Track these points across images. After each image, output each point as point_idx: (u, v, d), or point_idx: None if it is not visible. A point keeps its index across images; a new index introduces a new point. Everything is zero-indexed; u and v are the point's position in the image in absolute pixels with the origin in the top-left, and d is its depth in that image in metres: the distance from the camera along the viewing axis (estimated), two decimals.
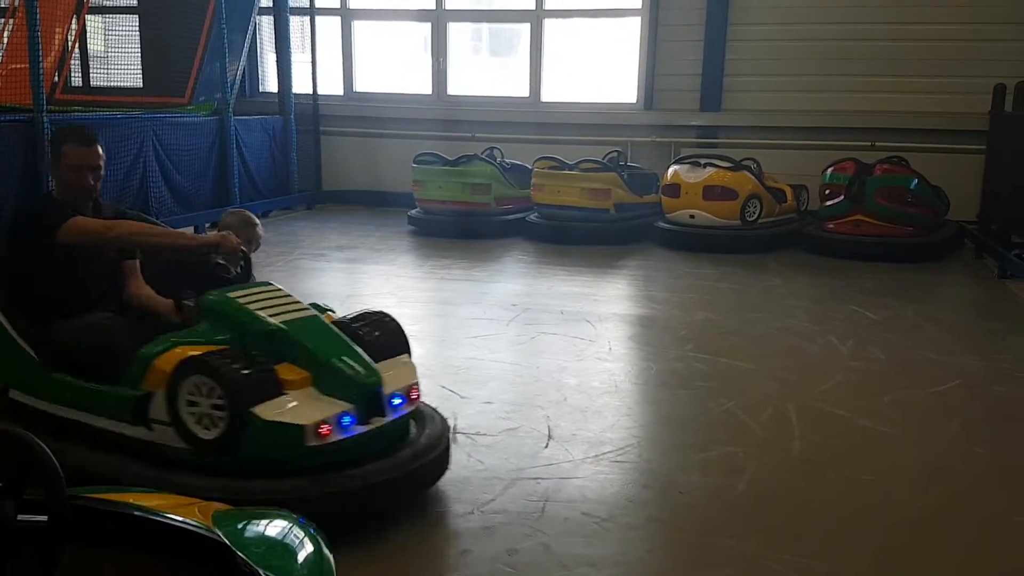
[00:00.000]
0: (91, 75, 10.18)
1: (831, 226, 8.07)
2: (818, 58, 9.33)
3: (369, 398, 2.88)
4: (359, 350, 3.01)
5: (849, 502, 3.26)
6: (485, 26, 11.01)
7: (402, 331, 3.35)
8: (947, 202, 8.30)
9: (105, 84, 9.84)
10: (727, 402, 4.19)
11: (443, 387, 4.35)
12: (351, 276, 7.10)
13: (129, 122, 7.84)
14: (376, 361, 3.01)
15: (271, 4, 10.15)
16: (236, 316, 3.00)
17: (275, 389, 2.80)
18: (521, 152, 9.54)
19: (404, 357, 3.28)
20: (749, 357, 4.93)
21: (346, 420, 2.82)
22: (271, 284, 3.26)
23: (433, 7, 10.49)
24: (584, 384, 4.42)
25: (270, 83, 11.12)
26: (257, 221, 4.02)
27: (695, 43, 9.61)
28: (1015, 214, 7.20)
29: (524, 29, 10.35)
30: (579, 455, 3.57)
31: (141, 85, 9.71)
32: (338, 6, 10.81)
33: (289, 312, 3.05)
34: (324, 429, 2.77)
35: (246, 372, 2.76)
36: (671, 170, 8.38)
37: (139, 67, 9.82)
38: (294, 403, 2.81)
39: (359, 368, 2.93)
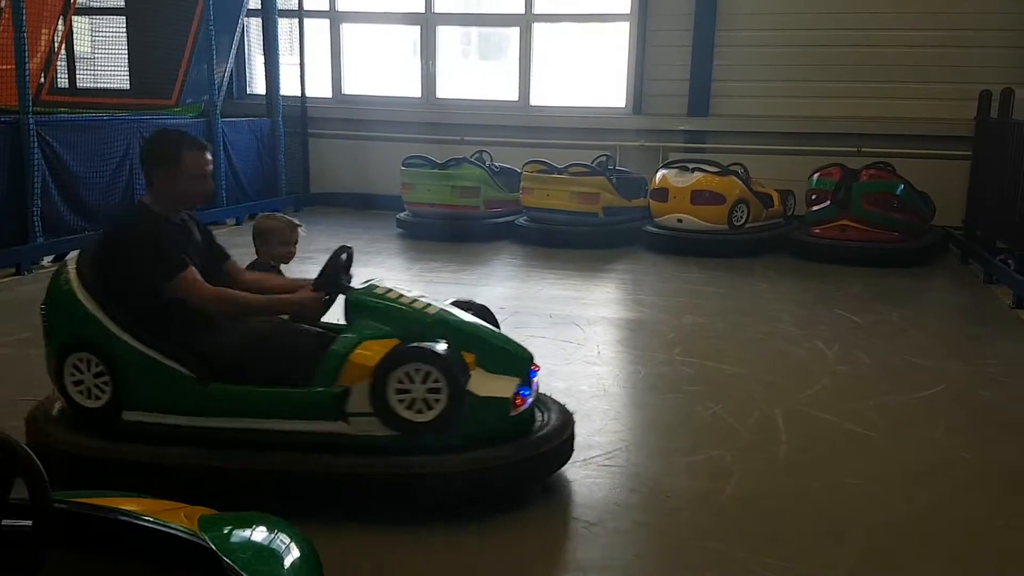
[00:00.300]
0: (77, 76, 10.13)
1: (817, 231, 8.11)
2: (805, 64, 9.39)
3: (528, 372, 3.21)
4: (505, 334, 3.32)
5: (835, 506, 3.28)
6: (475, 29, 11.02)
7: (493, 314, 3.58)
8: (933, 207, 8.36)
9: (92, 86, 9.80)
10: (714, 406, 4.21)
11: None
12: None
13: (116, 124, 7.80)
14: None
15: (259, 6, 10.12)
16: (396, 311, 3.18)
17: (468, 370, 3.06)
18: (510, 155, 9.55)
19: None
20: (736, 361, 4.95)
21: (525, 392, 3.15)
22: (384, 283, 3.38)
23: (422, 10, 10.50)
24: (572, 388, 4.42)
25: (258, 85, 11.09)
26: (297, 223, 4.12)
27: (683, 48, 9.65)
28: (1000, 220, 7.26)
29: (513, 33, 10.37)
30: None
31: (128, 87, 9.68)
32: (327, 8, 10.80)
33: (429, 305, 3.25)
34: (519, 400, 3.11)
35: (456, 355, 3.01)
36: (659, 174, 8.41)
37: (126, 69, 9.77)
38: (490, 380, 3.08)
39: (516, 346, 3.28)
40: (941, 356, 5.14)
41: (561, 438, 3.24)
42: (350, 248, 3.41)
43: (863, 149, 9.08)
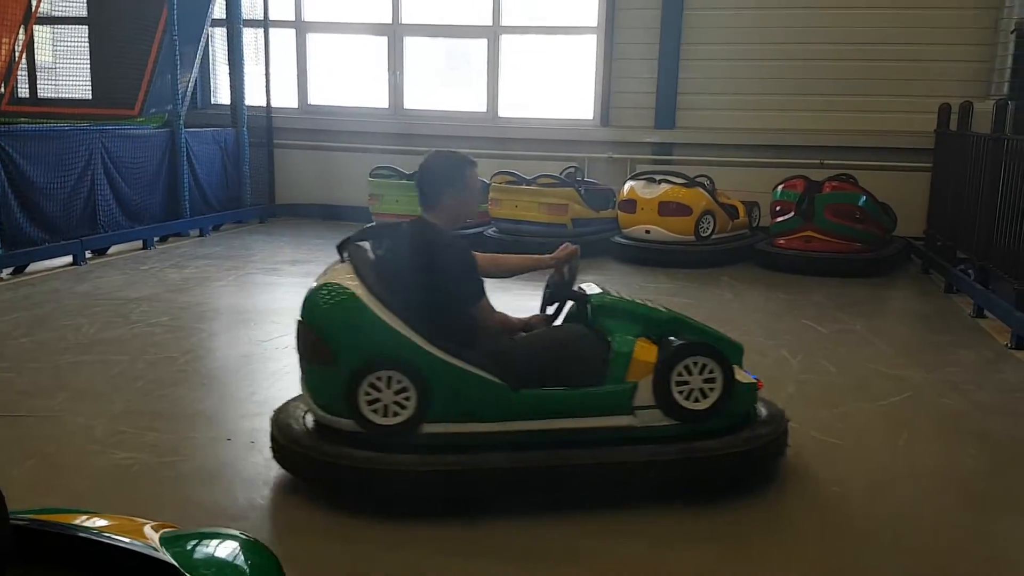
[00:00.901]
0: (39, 86, 9.99)
1: (782, 242, 8.21)
2: (769, 78, 9.51)
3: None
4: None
5: (800, 514, 3.30)
6: (442, 41, 11.02)
7: None
8: (894, 218, 8.49)
9: (53, 96, 9.66)
10: None
11: None
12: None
13: (77, 134, 7.68)
14: None
15: (224, 16, 10.04)
16: (639, 311, 3.50)
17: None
18: (479, 167, 9.52)
19: None
20: None
21: (754, 377, 3.53)
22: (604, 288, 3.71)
23: (389, 21, 10.48)
24: None
25: (222, 95, 10.99)
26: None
27: (650, 61, 9.74)
28: (960, 230, 7.39)
29: (481, 45, 10.39)
30: None
31: (90, 97, 9.54)
32: (292, 19, 10.74)
33: (656, 306, 3.59)
34: (760, 384, 3.51)
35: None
36: (627, 186, 8.46)
37: (88, 78, 9.64)
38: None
39: (727, 337, 3.56)
40: (904, 364, 5.21)
41: (785, 419, 3.62)
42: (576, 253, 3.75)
43: (826, 161, 9.22)
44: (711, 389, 3.29)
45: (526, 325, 3.57)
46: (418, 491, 3.10)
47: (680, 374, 3.26)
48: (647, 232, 8.20)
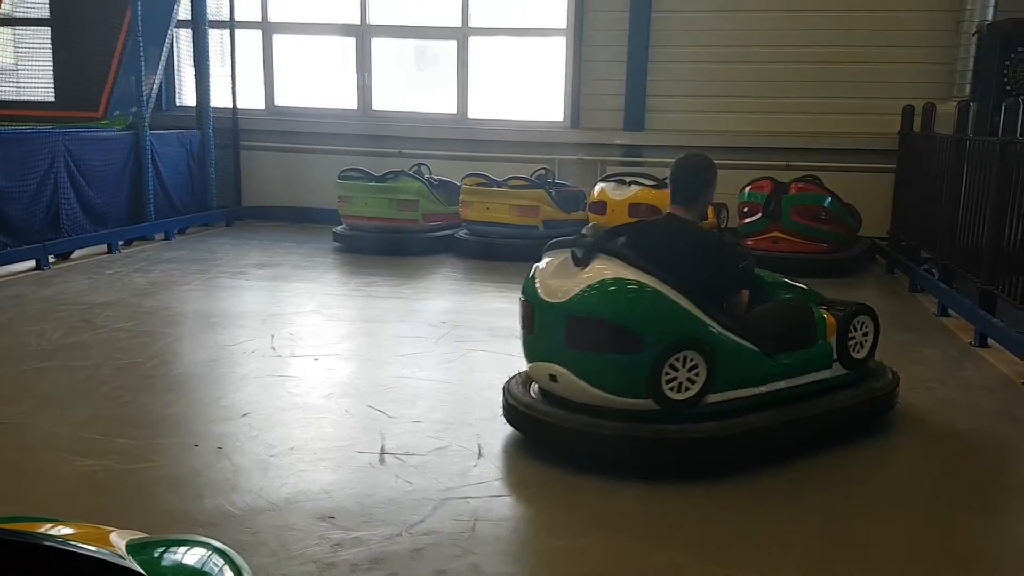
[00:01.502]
0: None
1: (750, 243, 8.25)
2: (735, 80, 9.60)
3: None
4: None
5: (772, 514, 3.32)
6: (411, 42, 10.98)
7: None
8: (859, 219, 8.60)
9: (14, 98, 9.48)
10: None
11: (370, 407, 4.29)
12: (273, 294, 6.96)
13: (40, 137, 7.56)
14: None
15: (189, 17, 9.93)
16: (781, 283, 4.35)
17: None
18: (449, 169, 9.54)
19: None
20: None
21: None
22: None
23: (357, 22, 10.43)
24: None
25: (188, 97, 10.86)
26: None
27: (619, 64, 9.78)
28: (924, 230, 7.51)
29: (451, 46, 10.37)
30: (509, 473, 3.55)
31: (53, 99, 9.38)
32: (258, 20, 10.64)
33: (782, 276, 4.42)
34: None
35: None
36: (598, 188, 8.48)
37: (51, 81, 9.48)
38: None
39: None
40: None
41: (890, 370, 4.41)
42: None
43: (792, 163, 9.31)
44: (866, 342, 4.10)
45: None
46: (703, 455, 3.53)
47: (849, 332, 4.00)
48: None
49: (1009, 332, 5.26)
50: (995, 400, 4.69)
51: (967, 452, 4.05)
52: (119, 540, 1.62)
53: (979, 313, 5.70)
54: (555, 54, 10.09)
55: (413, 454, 3.73)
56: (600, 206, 8.34)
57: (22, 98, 9.42)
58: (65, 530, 1.66)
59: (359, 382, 4.79)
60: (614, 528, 3.15)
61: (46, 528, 1.64)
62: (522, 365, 4.00)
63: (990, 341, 5.61)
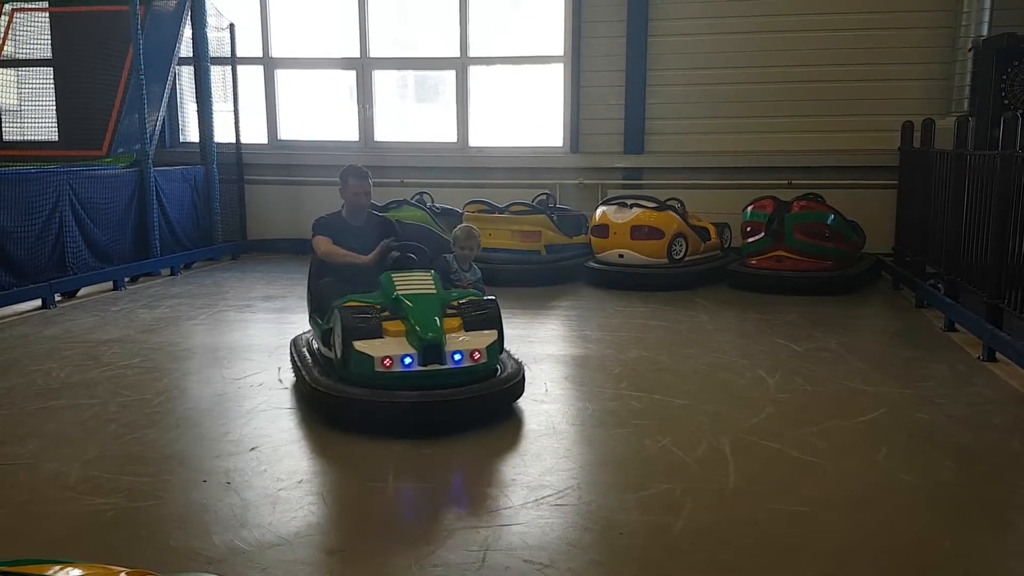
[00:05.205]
0: (3, 129, 9.89)
1: (754, 262, 8.28)
2: (734, 101, 9.65)
3: (427, 348, 4.25)
4: (437, 319, 4.35)
5: (784, 534, 3.30)
6: (411, 73, 11.08)
7: (497, 316, 4.59)
8: (863, 236, 8.60)
9: (19, 138, 9.57)
10: (663, 439, 4.22)
11: (376, 435, 4.27)
12: (280, 327, 6.96)
13: (44, 176, 7.60)
14: (468, 331, 4.42)
15: (191, 54, 10.03)
16: (384, 286, 4.58)
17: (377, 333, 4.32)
18: (451, 196, 9.58)
19: (490, 332, 4.49)
20: (682, 393, 4.99)
21: (407, 360, 4.23)
22: (428, 272, 4.74)
23: (357, 55, 10.53)
24: (522, 427, 4.40)
25: (191, 133, 10.96)
26: (478, 234, 5.64)
27: (617, 88, 9.85)
28: (928, 245, 7.50)
29: (450, 76, 10.45)
30: (518, 500, 3.54)
31: (57, 138, 9.46)
32: (260, 55, 10.75)
33: (413, 290, 4.49)
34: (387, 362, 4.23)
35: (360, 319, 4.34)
36: (599, 211, 8.51)
37: (54, 120, 9.57)
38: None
39: (427, 329, 4.29)
40: (879, 380, 5.25)
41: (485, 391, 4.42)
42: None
43: (793, 181, 9.34)
44: None
45: None
46: None
47: None
48: (620, 256, 8.25)
49: (1017, 346, 5.23)
50: (1005, 415, 4.66)
51: (977, 468, 4.02)
52: None
53: (986, 327, 5.68)
54: (553, 81, 10.17)
55: (422, 483, 3.72)
56: (602, 229, 8.36)
57: (26, 138, 9.51)
58: (75, 572, 1.65)
59: None
60: None
61: (55, 570, 1.63)
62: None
63: (998, 355, 5.59)
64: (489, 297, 4.74)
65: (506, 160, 10.17)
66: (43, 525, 3.41)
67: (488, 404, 4.37)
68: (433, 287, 4.56)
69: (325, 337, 4.58)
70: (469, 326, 4.46)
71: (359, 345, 4.22)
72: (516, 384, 4.56)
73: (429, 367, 4.24)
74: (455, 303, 4.58)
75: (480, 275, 5.57)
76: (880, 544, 3.21)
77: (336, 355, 4.34)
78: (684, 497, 3.57)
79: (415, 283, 4.56)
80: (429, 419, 4.22)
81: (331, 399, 4.30)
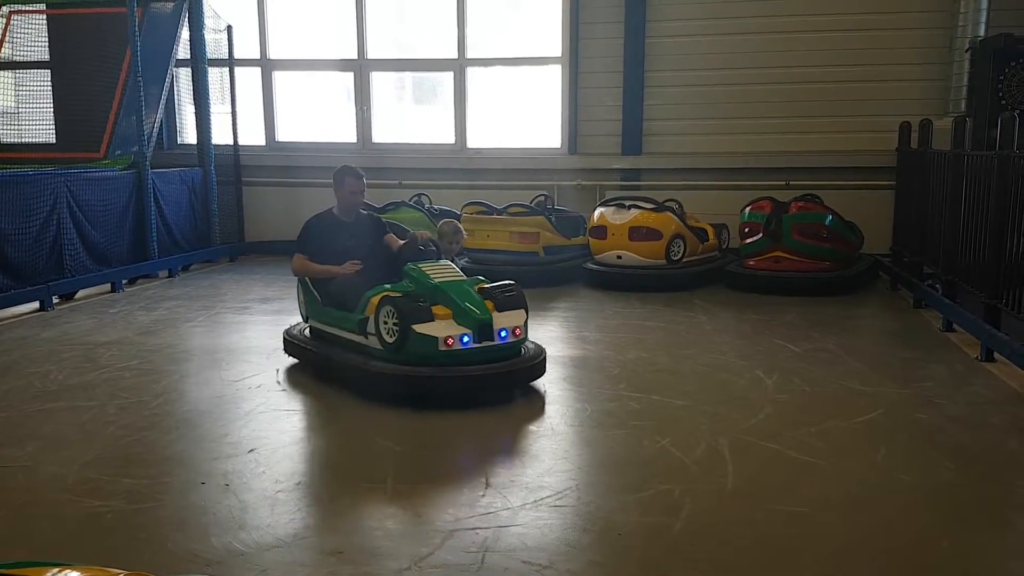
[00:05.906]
0: (1, 132, 9.88)
1: (752, 263, 8.28)
2: (731, 102, 9.66)
3: (481, 327, 4.73)
4: (479, 300, 4.84)
5: (783, 534, 3.30)
6: (409, 74, 11.08)
7: (522, 297, 5.05)
8: (861, 236, 8.61)
9: (16, 140, 9.56)
10: (661, 440, 4.22)
11: (376, 439, 4.27)
12: (277, 328, 6.93)
13: (42, 178, 7.60)
14: (500, 311, 4.84)
15: (188, 56, 10.03)
16: (417, 276, 4.97)
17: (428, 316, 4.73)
18: (449, 198, 9.58)
19: (519, 311, 4.95)
20: (681, 394, 4.99)
21: (465, 339, 4.67)
22: (450, 263, 5.27)
23: (355, 57, 10.53)
24: (521, 428, 4.39)
25: (189, 135, 10.95)
26: (463, 230, 6.02)
27: (615, 89, 9.86)
28: (925, 245, 7.51)
29: (447, 77, 10.46)
30: (517, 502, 3.53)
31: (54, 140, 9.46)
32: (257, 57, 10.75)
33: (447, 278, 4.95)
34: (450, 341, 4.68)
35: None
36: (597, 212, 8.51)
37: (52, 122, 9.57)
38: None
39: (480, 310, 4.77)
40: (877, 381, 5.26)
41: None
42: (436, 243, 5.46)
43: (791, 182, 9.35)
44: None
45: None
46: None
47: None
48: (618, 257, 8.25)
49: (1015, 346, 5.23)
50: (1003, 415, 4.66)
51: (975, 468, 4.02)
52: None
53: (984, 327, 5.68)
54: (551, 82, 10.17)
55: (420, 484, 3.71)
56: (600, 230, 8.36)
57: (24, 140, 9.51)
58: (73, 574, 1.65)
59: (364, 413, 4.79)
60: None
61: (53, 573, 1.63)
62: None
63: (996, 355, 5.59)
64: (509, 281, 5.13)
65: (504, 161, 10.18)
66: (41, 527, 3.41)
67: (533, 374, 4.96)
68: (461, 274, 5.03)
69: (360, 326, 4.90)
70: (500, 306, 4.85)
71: (420, 328, 4.60)
72: (543, 359, 5.06)
73: (483, 344, 4.70)
74: (480, 286, 4.98)
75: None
76: (879, 544, 3.21)
77: (388, 340, 4.71)
78: (683, 498, 3.57)
79: (445, 272, 5.02)
80: (488, 387, 4.76)
81: (393, 379, 4.66)
